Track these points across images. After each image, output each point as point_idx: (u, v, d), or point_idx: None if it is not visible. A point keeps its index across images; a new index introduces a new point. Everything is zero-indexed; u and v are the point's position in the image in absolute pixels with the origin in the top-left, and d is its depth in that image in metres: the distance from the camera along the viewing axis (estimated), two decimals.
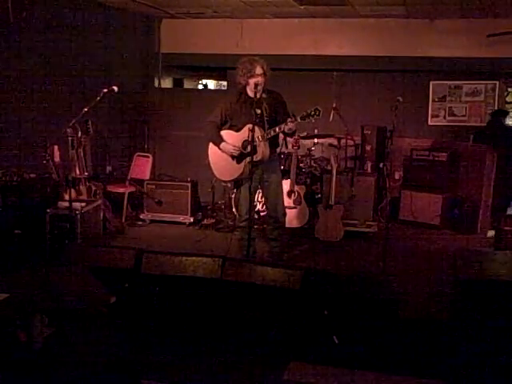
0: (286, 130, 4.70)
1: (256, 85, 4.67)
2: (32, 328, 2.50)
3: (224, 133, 4.89)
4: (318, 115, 4.55)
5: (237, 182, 5.04)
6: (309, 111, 4.54)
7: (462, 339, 3.21)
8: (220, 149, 4.85)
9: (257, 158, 4.65)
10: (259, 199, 6.09)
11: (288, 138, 5.95)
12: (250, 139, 4.54)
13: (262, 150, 4.69)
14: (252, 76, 4.68)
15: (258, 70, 4.68)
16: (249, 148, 4.65)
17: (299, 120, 4.58)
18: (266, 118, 4.73)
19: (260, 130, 4.65)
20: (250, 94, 4.76)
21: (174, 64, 8.77)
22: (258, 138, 4.60)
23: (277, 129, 4.66)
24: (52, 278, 3.29)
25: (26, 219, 5.10)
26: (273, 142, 4.85)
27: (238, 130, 4.82)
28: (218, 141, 4.85)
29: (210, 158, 4.98)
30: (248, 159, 4.67)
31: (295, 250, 5.75)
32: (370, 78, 7.82)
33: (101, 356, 2.79)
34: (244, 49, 7.70)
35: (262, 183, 4.99)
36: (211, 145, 4.94)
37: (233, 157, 4.84)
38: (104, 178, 6.71)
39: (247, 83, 4.74)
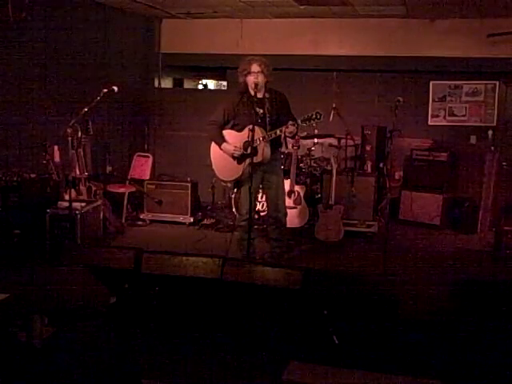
0: (286, 134, 4.69)
1: (255, 84, 4.66)
2: (32, 328, 2.50)
3: (226, 132, 4.88)
4: (320, 119, 4.55)
5: (237, 182, 5.03)
6: (310, 114, 4.53)
7: (461, 339, 3.21)
8: (221, 149, 4.85)
9: (257, 159, 4.64)
10: (260, 199, 6.09)
11: (288, 138, 5.95)
12: (250, 140, 4.54)
13: (263, 151, 4.68)
14: (248, 74, 4.68)
15: (254, 68, 4.66)
16: (249, 149, 4.65)
17: (300, 123, 4.57)
18: (268, 119, 4.71)
19: (261, 130, 4.64)
20: (252, 93, 4.76)
21: (174, 64, 8.76)
22: (259, 139, 4.60)
23: (278, 131, 4.65)
24: (52, 278, 3.29)
25: (26, 219, 5.10)
26: (275, 143, 4.83)
27: (239, 130, 4.81)
28: (220, 141, 4.84)
29: (211, 158, 4.98)
30: (249, 160, 4.67)
31: (295, 250, 5.75)
32: (370, 78, 7.81)
33: (101, 356, 2.78)
34: (244, 49, 7.69)
35: (264, 183, 4.99)
36: (213, 144, 4.93)
37: (234, 157, 4.84)
38: (104, 178, 6.71)
39: (245, 81, 4.74)
